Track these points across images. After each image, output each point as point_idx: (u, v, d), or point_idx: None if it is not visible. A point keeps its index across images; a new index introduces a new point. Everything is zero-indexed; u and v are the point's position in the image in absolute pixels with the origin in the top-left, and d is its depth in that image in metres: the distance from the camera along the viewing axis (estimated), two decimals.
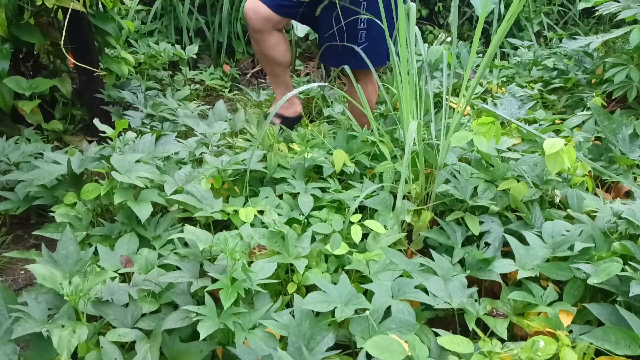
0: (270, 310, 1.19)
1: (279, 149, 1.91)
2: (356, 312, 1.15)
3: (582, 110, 2.48)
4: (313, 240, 1.45)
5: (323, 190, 1.71)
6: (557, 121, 2.38)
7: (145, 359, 1.10)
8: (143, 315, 1.23)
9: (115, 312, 1.21)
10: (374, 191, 1.63)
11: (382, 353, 1.03)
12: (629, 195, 1.87)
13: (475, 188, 1.60)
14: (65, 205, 1.65)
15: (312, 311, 1.18)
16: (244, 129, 2.25)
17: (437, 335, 1.15)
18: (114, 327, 1.18)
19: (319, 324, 1.15)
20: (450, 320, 1.36)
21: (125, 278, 1.40)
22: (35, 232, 1.59)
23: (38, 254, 1.40)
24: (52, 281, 1.17)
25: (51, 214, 1.65)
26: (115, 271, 1.32)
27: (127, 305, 1.24)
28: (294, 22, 3.57)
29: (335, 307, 1.16)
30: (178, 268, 1.31)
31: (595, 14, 4.53)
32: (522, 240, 1.44)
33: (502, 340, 1.16)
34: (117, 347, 1.12)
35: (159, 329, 1.16)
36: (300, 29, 3.52)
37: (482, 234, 1.54)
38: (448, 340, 1.10)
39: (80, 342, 1.05)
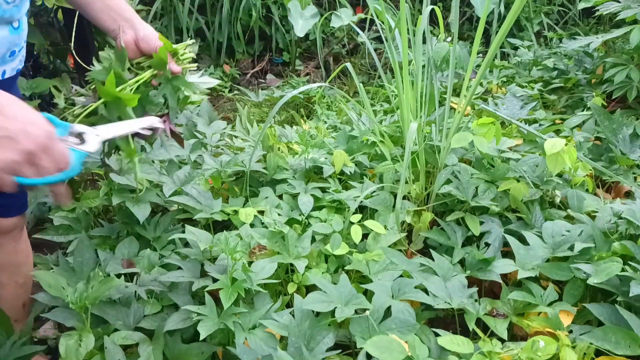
0: (270, 311, 1.19)
1: (279, 149, 1.90)
2: (356, 312, 1.15)
3: (582, 110, 2.47)
4: (313, 240, 1.45)
5: (323, 190, 1.71)
6: (557, 121, 2.38)
7: None
8: (145, 316, 1.23)
9: (118, 312, 1.21)
10: (374, 191, 1.63)
11: (382, 353, 1.03)
12: (629, 195, 1.87)
13: (476, 188, 1.60)
14: (63, 210, 1.65)
15: (312, 311, 1.18)
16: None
17: (437, 335, 1.15)
18: (117, 329, 1.18)
19: (319, 324, 1.15)
20: (451, 320, 1.36)
21: (128, 279, 1.40)
22: (36, 235, 1.59)
23: (37, 256, 1.40)
24: (57, 288, 1.17)
25: (50, 216, 1.64)
26: (118, 275, 1.32)
27: (129, 306, 1.24)
28: (294, 20, 3.58)
29: (336, 307, 1.16)
30: (179, 268, 1.31)
31: (595, 14, 4.53)
32: (522, 240, 1.44)
33: (502, 340, 1.16)
34: (120, 348, 1.12)
35: (161, 331, 1.16)
36: (300, 29, 3.51)
37: (482, 234, 1.54)
38: (448, 340, 1.10)
39: (87, 350, 1.05)
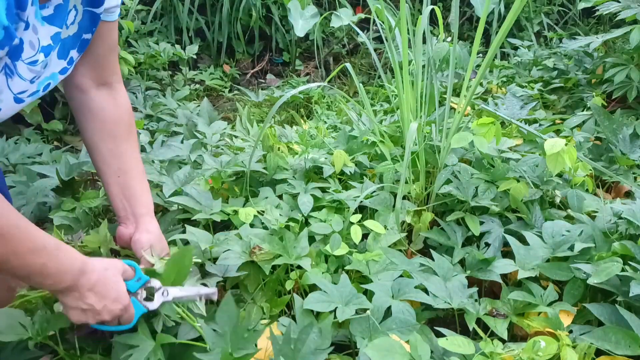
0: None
1: (279, 149, 1.90)
2: (356, 312, 1.15)
3: (582, 110, 2.47)
4: (313, 240, 1.45)
5: (323, 190, 1.71)
6: (557, 121, 2.38)
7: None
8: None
9: None
10: (374, 191, 1.63)
11: (384, 357, 1.02)
12: (629, 195, 1.87)
13: (476, 188, 1.60)
14: (63, 210, 1.64)
15: (311, 310, 1.18)
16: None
17: (439, 335, 1.15)
18: None
19: (302, 324, 1.13)
20: (451, 320, 1.36)
21: None
22: None
23: None
24: None
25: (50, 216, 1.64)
26: None
27: None
28: (294, 20, 3.58)
29: (336, 307, 1.16)
30: None
31: (595, 14, 4.53)
32: (522, 240, 1.44)
33: (502, 341, 1.16)
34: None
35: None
36: (300, 29, 3.52)
37: (482, 234, 1.54)
38: (449, 341, 1.10)
39: None
